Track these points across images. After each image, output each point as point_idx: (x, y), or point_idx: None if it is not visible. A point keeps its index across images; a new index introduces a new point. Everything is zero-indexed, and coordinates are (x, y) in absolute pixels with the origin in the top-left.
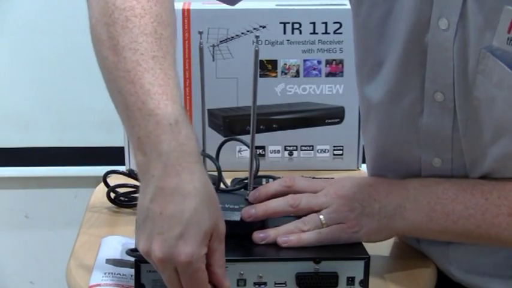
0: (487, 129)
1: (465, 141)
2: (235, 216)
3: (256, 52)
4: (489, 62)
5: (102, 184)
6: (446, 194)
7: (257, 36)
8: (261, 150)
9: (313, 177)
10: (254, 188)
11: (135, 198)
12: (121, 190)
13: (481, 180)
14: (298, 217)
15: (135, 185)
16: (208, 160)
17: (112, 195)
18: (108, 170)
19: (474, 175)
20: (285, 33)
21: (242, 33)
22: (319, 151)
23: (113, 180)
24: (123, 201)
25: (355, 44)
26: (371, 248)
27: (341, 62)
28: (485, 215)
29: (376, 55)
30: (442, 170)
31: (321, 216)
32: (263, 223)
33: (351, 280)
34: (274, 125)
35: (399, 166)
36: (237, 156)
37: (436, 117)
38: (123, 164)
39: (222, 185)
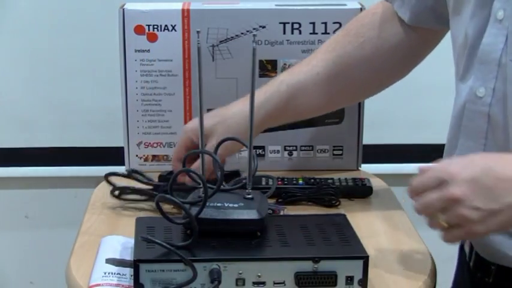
0: None
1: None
2: (235, 215)
3: (254, 51)
4: None
5: (102, 184)
6: None
7: (254, 35)
8: (260, 150)
9: (316, 178)
10: (253, 188)
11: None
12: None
13: None
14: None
15: (139, 189)
16: (208, 159)
17: (116, 192)
18: (109, 171)
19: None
20: (284, 33)
21: (242, 33)
22: (319, 151)
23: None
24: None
25: None
26: (370, 247)
27: None
28: None
29: None
30: (483, 103)
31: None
32: (263, 223)
33: (349, 279)
34: None
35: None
36: (237, 157)
37: (492, 37)
38: (122, 164)
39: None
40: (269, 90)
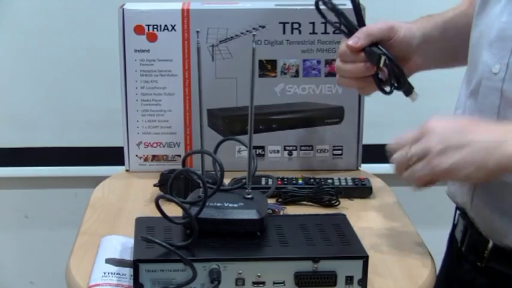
0: None
1: None
2: (235, 215)
3: (254, 51)
4: None
5: (102, 184)
6: None
7: (254, 35)
8: (260, 150)
9: (316, 178)
10: (253, 187)
11: None
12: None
13: None
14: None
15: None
16: (207, 158)
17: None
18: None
19: None
20: (284, 33)
21: (241, 33)
22: (319, 151)
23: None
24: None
25: None
26: (370, 247)
27: None
28: None
29: None
30: (498, 79)
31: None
32: (262, 222)
33: (349, 279)
34: (273, 125)
35: (469, 72)
36: (236, 156)
37: (509, 16)
38: (122, 164)
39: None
40: (428, 21)
